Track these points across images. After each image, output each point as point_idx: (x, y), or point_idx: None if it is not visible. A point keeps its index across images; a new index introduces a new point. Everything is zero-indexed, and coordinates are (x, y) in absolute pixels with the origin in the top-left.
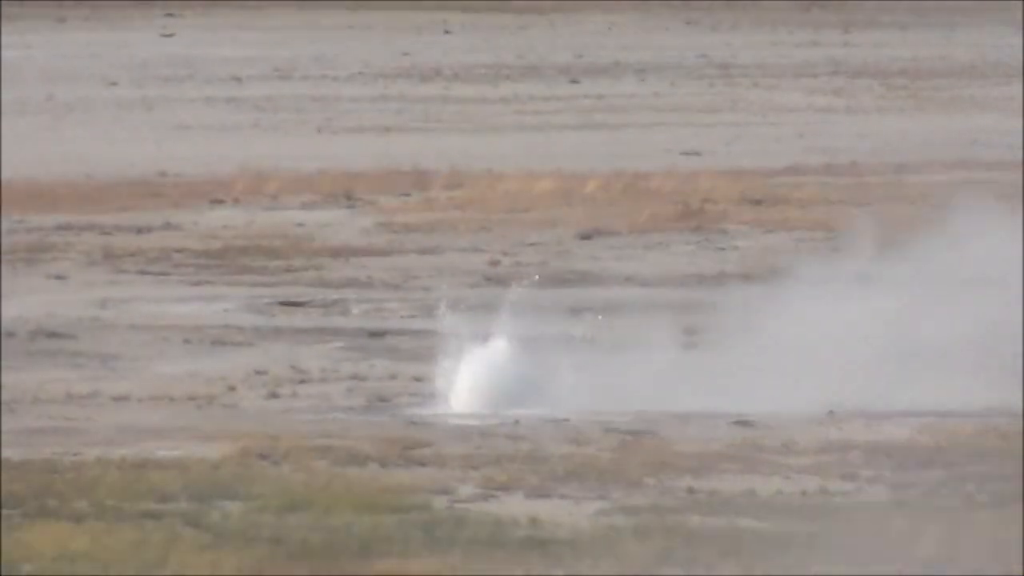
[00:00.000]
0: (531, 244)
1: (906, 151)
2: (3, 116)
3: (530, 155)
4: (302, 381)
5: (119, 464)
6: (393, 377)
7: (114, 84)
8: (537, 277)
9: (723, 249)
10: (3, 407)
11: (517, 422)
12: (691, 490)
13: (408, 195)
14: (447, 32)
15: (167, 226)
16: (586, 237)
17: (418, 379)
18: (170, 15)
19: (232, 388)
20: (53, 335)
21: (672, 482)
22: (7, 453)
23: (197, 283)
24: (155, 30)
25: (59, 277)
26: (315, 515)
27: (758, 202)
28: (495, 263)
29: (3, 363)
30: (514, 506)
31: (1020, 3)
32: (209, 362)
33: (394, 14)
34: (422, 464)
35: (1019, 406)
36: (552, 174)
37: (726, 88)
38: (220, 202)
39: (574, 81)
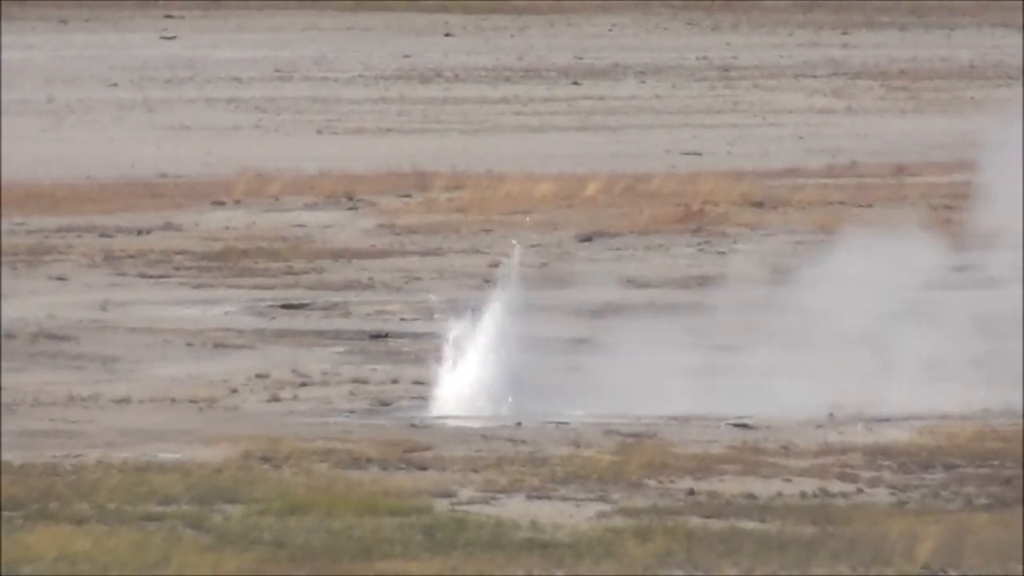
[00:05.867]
0: (532, 246)
1: (906, 152)
2: (3, 117)
3: (531, 157)
4: (303, 384)
5: (120, 467)
6: (394, 380)
7: (115, 85)
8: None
9: (723, 251)
10: (4, 409)
11: (518, 425)
12: (691, 492)
13: (409, 197)
14: (447, 34)
15: (168, 228)
16: (586, 239)
17: (419, 382)
18: (171, 17)
19: (233, 391)
20: (54, 337)
21: (672, 484)
22: (8, 456)
23: (198, 285)
24: (156, 32)
25: (60, 279)
26: (316, 518)
27: (758, 204)
28: (496, 265)
29: (4, 365)
30: (515, 508)
31: (1020, 4)
32: (210, 365)
33: (394, 16)
34: (423, 467)
35: (1019, 408)
36: (553, 176)
37: (726, 89)
38: (221, 204)
39: (574, 83)
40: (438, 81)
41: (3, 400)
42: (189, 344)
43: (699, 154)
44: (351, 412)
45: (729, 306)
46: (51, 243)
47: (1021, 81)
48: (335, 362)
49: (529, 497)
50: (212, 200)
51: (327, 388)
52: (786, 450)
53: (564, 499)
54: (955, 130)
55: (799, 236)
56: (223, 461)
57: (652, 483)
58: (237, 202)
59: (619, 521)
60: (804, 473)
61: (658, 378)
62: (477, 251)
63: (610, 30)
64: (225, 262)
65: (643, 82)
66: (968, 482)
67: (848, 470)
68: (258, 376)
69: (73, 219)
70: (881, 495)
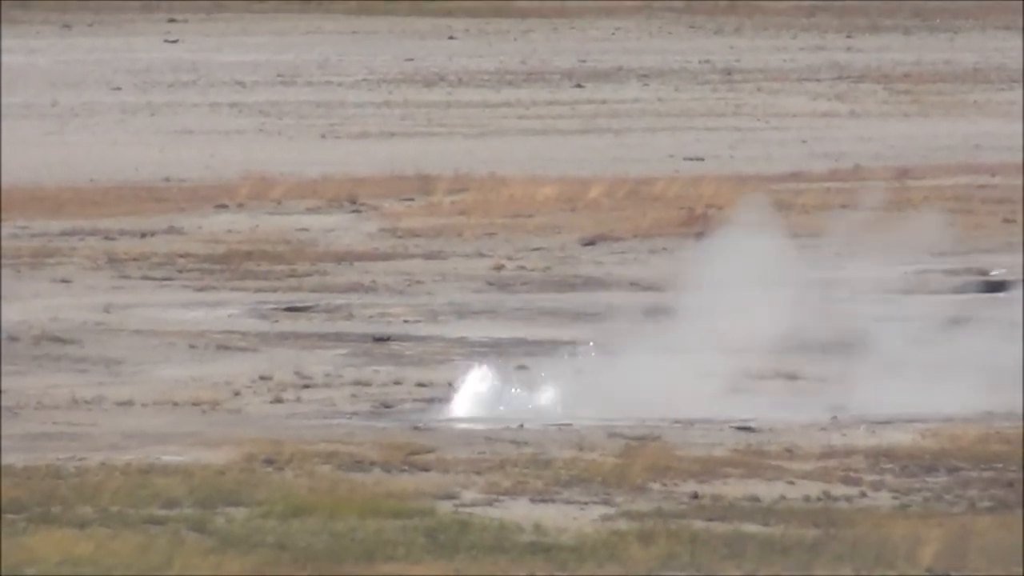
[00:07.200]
0: (535, 249)
1: (909, 156)
2: (7, 121)
3: (534, 160)
4: (306, 386)
5: (123, 469)
6: (397, 382)
7: (118, 89)
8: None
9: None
10: (6, 412)
11: (521, 427)
12: (695, 495)
13: (412, 200)
14: (451, 37)
15: (171, 231)
16: (590, 242)
17: (422, 384)
18: (174, 20)
19: (236, 393)
20: (57, 340)
21: (676, 487)
22: (10, 458)
23: (201, 288)
24: (159, 35)
25: (63, 282)
26: (319, 520)
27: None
28: (499, 268)
29: (7, 368)
30: (518, 511)
31: (1023, 7)
32: (213, 367)
33: (398, 20)
34: (426, 469)
35: (1022, 410)
36: (556, 179)
37: (729, 93)
38: (224, 207)
39: (578, 86)
40: (441, 85)
41: (6, 403)
42: (192, 346)
43: (702, 158)
44: (354, 414)
45: (731, 309)
46: (54, 246)
47: (1022, 84)
48: (338, 364)
49: (533, 500)
50: (215, 203)
51: (330, 390)
52: (789, 453)
53: (568, 502)
54: (958, 133)
55: (802, 240)
56: (226, 463)
57: (656, 486)
58: (240, 205)
59: (623, 524)
60: (807, 476)
61: (661, 381)
62: (480, 254)
63: (613, 33)
64: (228, 265)
65: (646, 85)
66: (971, 485)
67: (851, 473)
68: (261, 378)
69: (76, 222)
70: (884, 498)
